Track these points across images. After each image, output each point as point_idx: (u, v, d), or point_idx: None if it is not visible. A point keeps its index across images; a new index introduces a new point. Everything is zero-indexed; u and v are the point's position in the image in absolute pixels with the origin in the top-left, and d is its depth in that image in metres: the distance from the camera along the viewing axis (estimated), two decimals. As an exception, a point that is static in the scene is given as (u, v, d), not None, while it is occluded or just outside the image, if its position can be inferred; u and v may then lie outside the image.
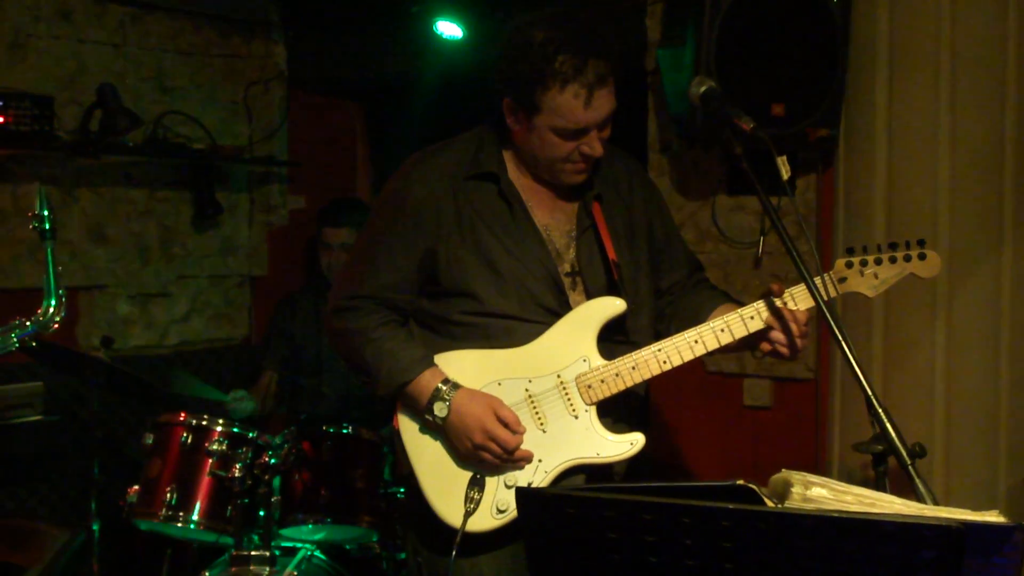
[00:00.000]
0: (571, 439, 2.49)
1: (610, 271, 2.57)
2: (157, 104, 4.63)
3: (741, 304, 2.57)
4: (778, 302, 2.47)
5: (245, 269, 5.09)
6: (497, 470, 2.49)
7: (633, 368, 2.49)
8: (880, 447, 2.04)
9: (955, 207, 3.41)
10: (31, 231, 2.69)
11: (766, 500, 1.65)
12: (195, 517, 3.41)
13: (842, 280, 2.47)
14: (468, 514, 2.45)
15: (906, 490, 1.89)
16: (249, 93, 5.00)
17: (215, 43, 4.89)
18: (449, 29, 4.51)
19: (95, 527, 3.50)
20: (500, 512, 2.47)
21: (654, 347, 2.50)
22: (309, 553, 3.53)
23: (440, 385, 2.49)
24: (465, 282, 2.54)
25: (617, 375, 2.49)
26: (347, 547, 3.75)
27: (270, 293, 4.98)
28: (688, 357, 2.50)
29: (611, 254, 2.58)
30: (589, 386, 2.50)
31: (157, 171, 4.69)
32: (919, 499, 1.88)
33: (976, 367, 3.43)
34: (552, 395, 2.51)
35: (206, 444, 3.45)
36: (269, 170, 5.14)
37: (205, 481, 3.43)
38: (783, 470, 1.69)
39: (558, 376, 2.51)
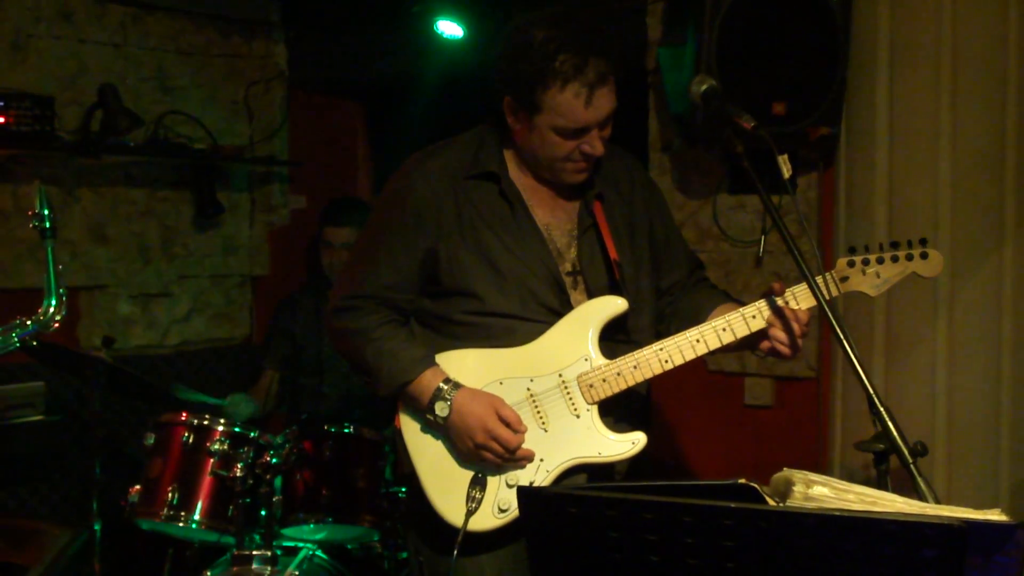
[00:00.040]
0: (572, 438, 2.49)
1: (611, 270, 2.57)
2: (158, 104, 4.63)
3: (741, 303, 2.57)
4: (779, 301, 2.47)
5: (246, 269, 5.10)
6: (499, 469, 2.49)
7: (634, 367, 2.49)
8: (882, 446, 2.04)
9: (956, 205, 3.41)
10: (31, 230, 2.69)
11: (768, 499, 1.65)
12: (197, 517, 3.41)
13: (844, 279, 2.47)
14: (470, 513, 2.45)
15: (908, 489, 1.89)
16: (250, 93, 5.00)
17: (216, 43, 4.89)
18: (450, 28, 4.51)
19: (97, 527, 3.49)
20: (502, 511, 2.47)
21: (655, 346, 2.50)
22: (310, 553, 3.53)
23: (441, 384, 2.49)
24: (466, 282, 2.54)
25: (619, 374, 2.49)
26: (348, 547, 3.76)
27: (271, 293, 4.98)
28: (690, 356, 2.50)
29: (612, 253, 2.58)
30: (591, 385, 2.50)
31: (158, 171, 4.69)
32: (921, 498, 1.88)
33: (978, 366, 3.43)
34: (554, 394, 2.51)
35: (207, 444, 3.45)
36: (270, 170, 5.14)
37: (207, 481, 3.44)
38: (785, 469, 1.69)
39: (560, 375, 2.51)
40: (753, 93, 3.46)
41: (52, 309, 2.66)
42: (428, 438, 2.55)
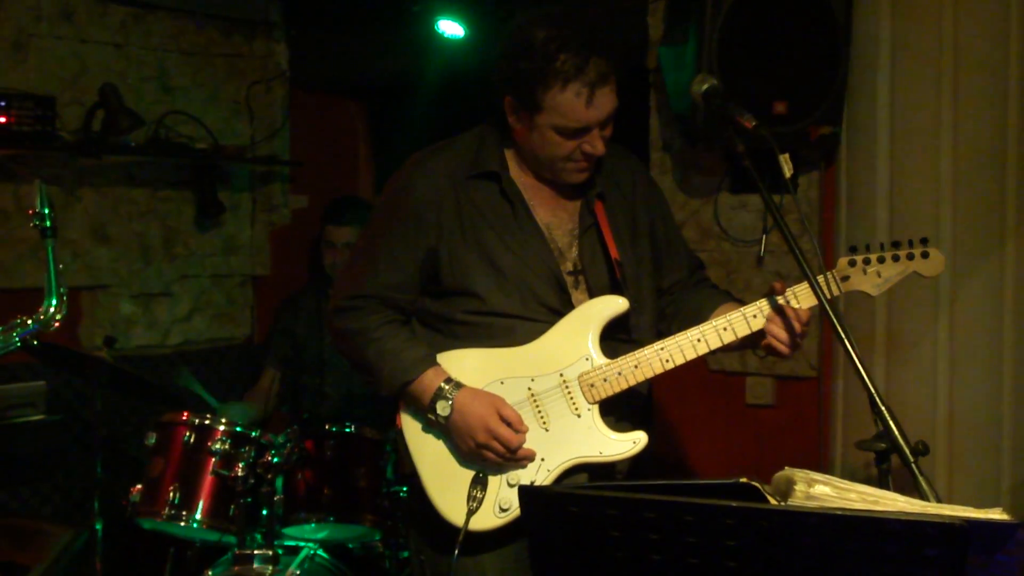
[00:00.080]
0: (574, 438, 2.49)
1: (612, 270, 2.57)
2: (159, 104, 4.62)
3: (742, 303, 2.57)
4: (780, 300, 2.47)
5: (247, 269, 5.09)
6: (500, 469, 2.49)
7: (636, 367, 2.49)
8: (883, 445, 2.04)
9: (957, 205, 3.41)
10: (32, 230, 2.69)
11: (769, 498, 1.65)
12: (198, 516, 3.41)
13: (845, 279, 2.47)
14: (471, 513, 2.45)
15: (909, 488, 1.89)
16: (251, 92, 5.00)
17: (217, 43, 4.89)
18: (451, 28, 4.51)
19: (98, 526, 3.50)
20: (503, 511, 2.47)
21: (656, 345, 2.50)
22: (312, 552, 3.53)
23: (443, 384, 2.49)
24: (467, 281, 2.54)
25: (620, 374, 2.49)
26: (350, 546, 3.75)
27: (272, 293, 4.98)
28: (691, 355, 2.50)
29: (613, 253, 2.58)
30: (592, 385, 2.50)
31: (159, 171, 4.69)
32: (922, 497, 1.88)
33: (979, 365, 3.43)
34: (555, 394, 2.51)
35: (209, 443, 3.45)
36: (271, 169, 5.14)
37: (208, 480, 3.43)
38: (786, 468, 1.69)
39: (561, 375, 2.51)
40: (754, 92, 3.46)
41: (52, 308, 2.65)
42: (429, 438, 2.55)
